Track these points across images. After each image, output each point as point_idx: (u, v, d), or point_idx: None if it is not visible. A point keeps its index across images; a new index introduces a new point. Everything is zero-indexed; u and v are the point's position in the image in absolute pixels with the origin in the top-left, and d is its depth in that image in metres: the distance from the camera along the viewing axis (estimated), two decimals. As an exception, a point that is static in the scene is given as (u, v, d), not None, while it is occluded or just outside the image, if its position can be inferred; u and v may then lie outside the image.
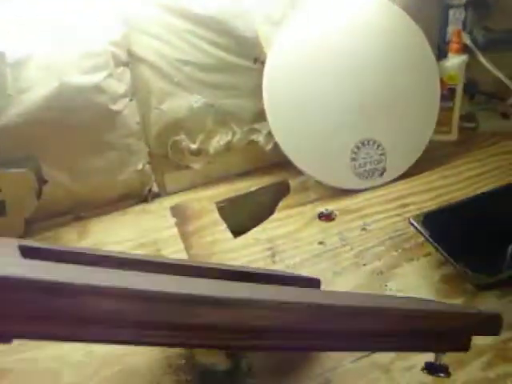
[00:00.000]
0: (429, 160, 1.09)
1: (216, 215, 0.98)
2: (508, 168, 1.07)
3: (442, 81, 1.08)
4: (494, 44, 1.18)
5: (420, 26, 1.04)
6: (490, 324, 0.57)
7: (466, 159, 1.10)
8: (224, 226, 0.96)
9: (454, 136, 1.16)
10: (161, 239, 0.95)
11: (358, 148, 1.00)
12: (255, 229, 0.95)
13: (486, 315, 0.58)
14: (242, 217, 1.00)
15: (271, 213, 0.99)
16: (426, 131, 1.06)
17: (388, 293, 0.79)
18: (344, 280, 0.82)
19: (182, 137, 1.03)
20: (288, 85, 0.96)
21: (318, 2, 0.98)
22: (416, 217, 0.86)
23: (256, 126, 1.05)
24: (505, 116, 1.21)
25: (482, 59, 1.14)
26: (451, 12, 1.13)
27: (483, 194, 0.92)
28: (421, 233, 0.83)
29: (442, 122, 1.12)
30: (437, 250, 0.80)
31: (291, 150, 0.97)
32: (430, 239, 0.81)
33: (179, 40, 0.96)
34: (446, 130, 1.15)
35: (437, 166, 1.08)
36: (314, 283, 0.76)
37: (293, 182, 1.05)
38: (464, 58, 1.10)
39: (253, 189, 1.03)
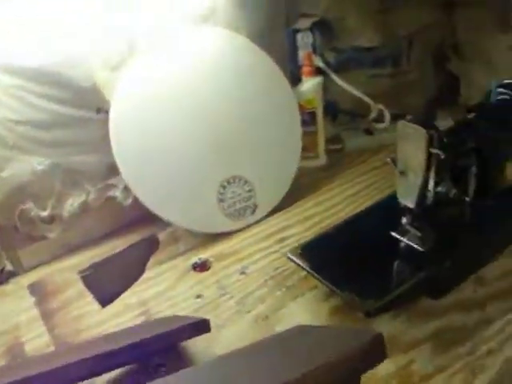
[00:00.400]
0: (300, 188, 1.08)
1: (80, 286, 0.90)
2: (380, 183, 1.09)
3: (300, 106, 1.09)
4: (345, 63, 1.22)
5: (271, 55, 1.04)
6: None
7: (338, 182, 1.11)
8: (91, 296, 0.89)
9: (322, 160, 1.17)
10: (21, 323, 0.86)
11: (224, 187, 0.97)
12: (125, 293, 0.89)
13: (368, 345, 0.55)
14: (110, 282, 0.93)
15: (141, 272, 0.93)
16: (292, 160, 1.05)
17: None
18: (228, 332, 0.77)
19: (29, 205, 0.95)
20: (136, 132, 0.91)
21: (158, 41, 0.96)
22: (293, 250, 0.83)
23: (111, 181, 0.98)
24: (368, 132, 1.24)
25: (337, 79, 1.17)
26: (299, 36, 1.16)
27: (356, 214, 0.92)
28: (301, 266, 0.81)
29: (308, 148, 1.13)
30: (320, 281, 0.79)
31: (152, 202, 0.92)
32: (312, 271, 0.79)
33: (6, 97, 0.89)
34: (313, 156, 1.15)
35: (309, 194, 1.07)
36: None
37: (161, 235, 1.00)
38: (318, 80, 1.12)
39: (118, 250, 0.97)
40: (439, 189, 0.76)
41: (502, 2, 1.10)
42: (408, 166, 0.76)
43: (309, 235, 0.94)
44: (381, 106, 1.20)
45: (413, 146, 0.74)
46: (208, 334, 0.74)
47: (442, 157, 0.71)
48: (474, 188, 0.89)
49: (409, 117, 0.75)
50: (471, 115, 0.82)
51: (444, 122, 1.08)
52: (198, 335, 0.73)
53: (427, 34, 1.30)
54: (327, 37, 1.18)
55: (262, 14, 1.06)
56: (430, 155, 0.73)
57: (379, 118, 1.23)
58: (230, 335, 0.77)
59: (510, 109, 0.85)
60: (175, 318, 0.81)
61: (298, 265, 0.81)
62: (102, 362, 0.65)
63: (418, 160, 0.74)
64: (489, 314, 0.75)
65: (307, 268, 0.79)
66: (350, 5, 1.16)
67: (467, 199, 0.90)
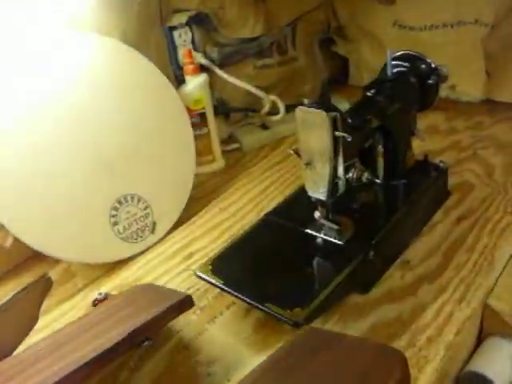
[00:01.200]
0: (201, 197, 1.01)
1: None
2: (285, 178, 1.04)
3: (188, 109, 1.01)
4: (230, 57, 1.16)
5: (150, 57, 0.94)
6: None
7: (240, 183, 1.04)
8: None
9: (220, 163, 1.10)
10: None
11: (116, 209, 0.87)
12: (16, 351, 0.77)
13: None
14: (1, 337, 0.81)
15: (35, 319, 0.81)
16: (187, 167, 0.96)
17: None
18: (145, 371, 0.69)
19: None
20: (9, 162, 0.80)
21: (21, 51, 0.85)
22: (203, 267, 0.75)
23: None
24: (264, 127, 1.19)
25: (224, 75, 1.10)
26: (176, 34, 1.07)
27: (265, 216, 0.84)
28: (213, 284, 0.74)
29: (203, 152, 1.06)
30: (237, 297, 0.71)
31: (35, 239, 0.80)
32: (226, 288, 0.72)
33: None
34: (209, 159, 1.08)
35: (212, 201, 1.00)
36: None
37: (54, 273, 0.88)
38: (203, 77, 1.04)
39: (3, 301, 0.84)
40: (350, 175, 0.70)
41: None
42: (313, 155, 0.70)
43: (218, 245, 0.87)
44: (274, 97, 1.15)
45: (315, 132, 0.68)
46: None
47: (349, 139, 0.66)
48: (384, 168, 0.85)
49: (306, 101, 0.69)
50: (370, 92, 0.78)
51: (341, 105, 1.04)
52: (183, 312, 0.68)
53: (310, 18, 1.26)
54: (206, 31, 1.11)
55: (133, 14, 0.97)
56: (335, 140, 0.68)
57: (273, 111, 1.18)
58: (147, 374, 0.68)
59: (407, 80, 0.82)
60: (150, 289, 0.77)
61: (210, 283, 0.73)
62: (101, 362, 0.60)
63: (324, 147, 0.68)
64: (421, 299, 0.72)
65: (220, 285, 0.71)
66: (226, -6, 1.10)
67: (378, 181, 0.87)
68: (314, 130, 0.68)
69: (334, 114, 0.66)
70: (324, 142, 0.68)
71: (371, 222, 0.79)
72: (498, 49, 1.12)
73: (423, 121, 0.88)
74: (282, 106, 1.14)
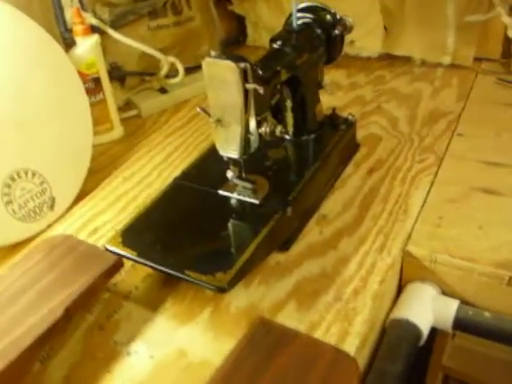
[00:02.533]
0: (102, 168, 0.94)
1: None
2: (189, 142, 0.99)
3: (80, 73, 0.93)
4: (122, 18, 1.08)
5: (34, 17, 0.84)
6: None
7: (143, 150, 0.98)
8: None
9: (118, 131, 1.03)
10: None
11: (9, 186, 0.78)
12: None
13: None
14: None
15: None
16: (84, 137, 0.88)
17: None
18: (63, 355, 0.63)
19: None
20: None
21: None
22: (112, 240, 0.69)
23: None
24: (163, 91, 1.13)
25: (118, 35, 1.03)
26: (60, -7, 0.99)
27: (174, 180, 0.79)
28: (126, 257, 0.68)
29: (100, 120, 0.98)
30: (153, 268, 0.67)
31: None
32: (140, 259, 0.66)
33: None
34: (107, 128, 1.00)
35: (114, 171, 0.93)
36: None
37: None
38: (95, 38, 0.96)
39: None
40: (262, 129, 0.67)
41: None
42: (224, 111, 0.66)
43: (125, 217, 0.81)
44: (172, 59, 1.09)
45: (225, 86, 0.64)
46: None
47: (261, 91, 0.63)
48: (293, 123, 0.83)
49: (213, 53, 0.65)
50: (277, 44, 0.75)
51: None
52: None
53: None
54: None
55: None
56: (246, 93, 0.64)
57: (171, 74, 1.12)
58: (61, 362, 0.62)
59: (313, 31, 0.80)
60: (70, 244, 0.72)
61: (122, 256, 0.67)
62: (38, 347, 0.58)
63: (234, 101, 0.65)
64: (343, 251, 0.71)
65: (134, 257, 0.66)
66: None
67: (287, 137, 0.85)
68: (223, 84, 0.64)
69: (243, 64, 0.62)
70: (234, 96, 0.64)
71: (285, 179, 0.77)
72: (393, 2, 1.13)
73: (325, 78, 0.86)
74: (181, 68, 1.09)
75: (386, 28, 1.15)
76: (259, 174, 0.77)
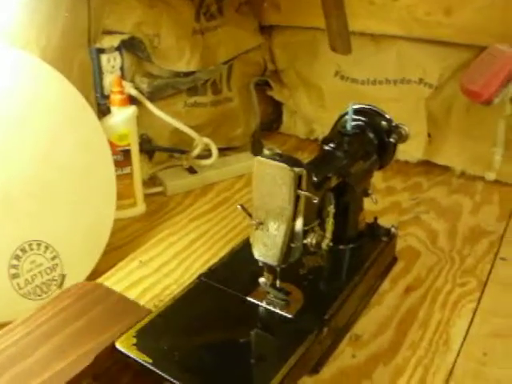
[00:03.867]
0: (119, 246, 0.88)
1: None
2: (215, 231, 0.93)
3: (111, 144, 0.88)
4: (160, 90, 1.04)
5: (72, 80, 0.81)
6: None
7: (164, 233, 0.92)
8: None
9: (141, 208, 0.97)
10: None
11: (18, 258, 0.72)
12: None
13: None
14: None
15: None
16: (106, 212, 0.83)
17: None
18: None
19: None
20: None
21: None
22: (124, 340, 0.60)
23: None
24: (192, 171, 1.08)
25: (154, 109, 0.99)
26: (104, 58, 0.95)
27: (199, 278, 0.72)
28: (137, 362, 0.60)
29: (124, 195, 0.93)
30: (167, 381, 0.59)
31: None
32: (155, 368, 0.59)
33: None
34: (130, 203, 0.95)
35: (131, 251, 0.87)
36: None
37: None
38: (132, 110, 0.92)
39: None
40: (308, 240, 0.61)
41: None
42: (268, 214, 0.60)
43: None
44: (207, 140, 1.04)
45: (275, 189, 0.59)
46: None
47: (315, 201, 0.57)
48: (332, 230, 0.77)
49: (267, 151, 0.59)
50: (329, 146, 0.70)
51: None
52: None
53: (248, 58, 1.19)
54: (138, 59, 0.99)
55: (57, 30, 0.84)
56: (297, 199, 0.58)
57: (202, 154, 1.08)
58: None
59: (367, 136, 0.75)
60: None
61: (134, 361, 0.59)
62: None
63: (283, 206, 0.59)
64: (377, 382, 0.63)
65: (147, 364, 0.58)
66: (164, 21, 0.99)
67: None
68: (273, 186, 0.59)
69: (299, 169, 0.57)
70: (284, 201, 0.58)
71: (321, 292, 0.70)
72: (439, 110, 1.10)
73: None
74: (215, 150, 1.04)
75: (429, 135, 1.11)
76: (293, 283, 0.70)
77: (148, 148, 1.05)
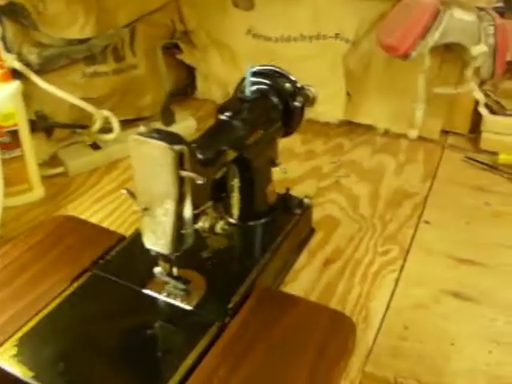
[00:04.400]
0: (15, 236, 0.77)
1: None
2: (119, 213, 0.85)
3: (-6, 124, 0.80)
4: (53, 61, 0.94)
5: None
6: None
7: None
8: None
9: (38, 192, 0.87)
10: None
11: None
12: None
13: None
14: None
15: None
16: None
17: None
18: None
19: None
20: None
21: None
22: (5, 352, 0.54)
23: None
24: (95, 147, 0.98)
25: (41, 82, 0.89)
26: (-20, 30, 0.85)
27: (88, 273, 0.64)
28: (16, 377, 0.53)
29: (15, 180, 0.83)
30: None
31: None
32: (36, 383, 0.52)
33: None
34: (24, 188, 0.85)
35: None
36: None
37: None
38: (15, 86, 0.81)
39: None
40: (200, 224, 0.55)
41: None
42: (153, 198, 0.53)
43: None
44: (107, 113, 0.95)
45: (155, 171, 0.51)
46: None
47: (200, 181, 0.50)
48: (240, 206, 0.71)
49: (143, 128, 0.52)
50: (225, 115, 0.63)
51: (186, 123, 0.89)
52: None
53: (153, 19, 1.09)
54: (23, 27, 0.89)
55: None
56: (181, 181, 0.52)
57: (107, 128, 0.98)
58: None
59: (269, 101, 0.68)
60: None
61: (13, 375, 0.52)
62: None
63: (166, 190, 0.52)
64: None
65: (29, 380, 0.51)
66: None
67: (232, 221, 0.72)
68: (153, 168, 0.51)
69: (179, 147, 0.50)
70: (167, 184, 0.51)
71: (227, 277, 0.64)
72: (358, 67, 1.04)
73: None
74: (116, 124, 0.95)
75: (348, 93, 1.05)
76: (195, 268, 0.63)
77: (44, 125, 0.95)
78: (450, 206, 0.88)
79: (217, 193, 0.69)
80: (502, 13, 0.98)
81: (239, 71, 1.12)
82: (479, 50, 0.93)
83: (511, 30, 0.98)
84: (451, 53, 0.99)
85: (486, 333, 0.65)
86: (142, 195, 0.54)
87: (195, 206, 0.53)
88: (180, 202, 0.52)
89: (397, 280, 0.72)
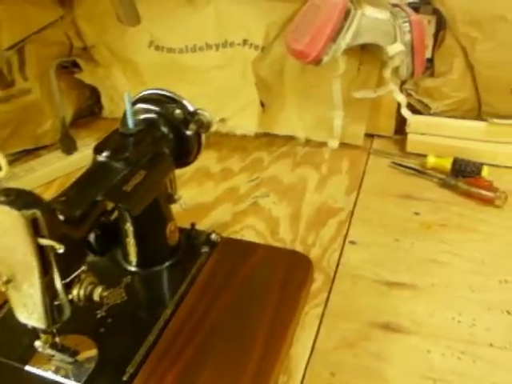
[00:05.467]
0: None
1: None
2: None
3: None
4: None
5: None
6: None
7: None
8: None
9: None
10: None
11: None
12: None
13: None
14: None
15: None
16: None
17: None
18: None
19: None
20: None
21: None
22: None
23: None
24: None
25: None
26: None
27: None
28: None
29: None
30: None
31: None
32: None
33: None
34: None
35: None
36: None
37: None
38: None
39: None
40: (74, 294, 0.47)
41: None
42: (15, 269, 0.45)
43: None
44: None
45: (8, 239, 0.43)
46: None
47: (61, 250, 0.43)
48: (137, 252, 0.63)
49: (-10, 189, 0.44)
50: (103, 157, 0.55)
51: (89, 150, 0.80)
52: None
53: (45, 37, 0.99)
54: None
55: None
56: (41, 249, 0.44)
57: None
58: None
59: (159, 132, 0.60)
60: None
61: None
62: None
63: (25, 261, 0.44)
64: None
65: None
66: None
67: (131, 269, 0.64)
68: (5, 237, 0.43)
69: (31, 211, 0.42)
70: (25, 254, 0.43)
71: (123, 340, 0.56)
72: (270, 74, 0.97)
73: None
74: (3, 162, 0.85)
75: (262, 104, 0.98)
76: (87, 333, 0.56)
77: None
78: (376, 220, 0.82)
79: (112, 238, 0.61)
80: (416, 8, 0.93)
81: (146, 86, 1.05)
82: (395, 48, 0.88)
83: (427, 26, 0.94)
84: (368, 54, 0.94)
85: (422, 369, 0.59)
86: (2, 266, 0.46)
87: (64, 275, 0.46)
88: (45, 273, 0.45)
89: (321, 317, 0.66)
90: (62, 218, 0.45)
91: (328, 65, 0.88)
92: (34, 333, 0.51)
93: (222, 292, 0.62)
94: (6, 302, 0.61)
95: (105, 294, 0.48)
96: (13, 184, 0.89)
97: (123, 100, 1.06)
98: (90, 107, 1.13)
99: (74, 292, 0.47)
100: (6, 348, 0.55)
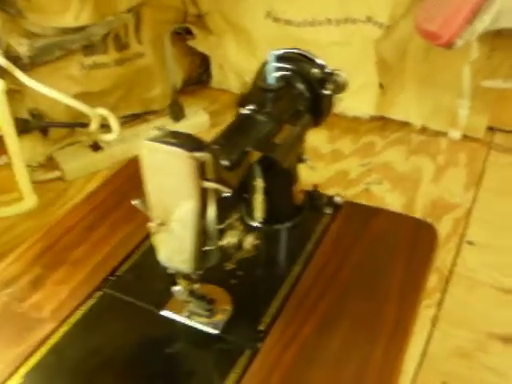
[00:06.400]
0: (4, 252, 0.75)
1: None
2: (123, 222, 0.82)
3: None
4: (46, 53, 0.92)
5: None
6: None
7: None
8: None
9: (31, 201, 0.85)
10: None
11: None
12: None
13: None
14: None
15: None
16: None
17: None
18: None
19: None
20: None
21: None
22: None
23: None
24: (96, 148, 0.96)
25: (25, 79, 0.85)
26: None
27: (99, 292, 0.63)
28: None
29: (3, 189, 0.83)
30: None
31: None
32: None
33: None
34: (14, 198, 0.84)
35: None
36: None
37: None
38: (-2, 85, 0.80)
39: None
40: (225, 241, 0.52)
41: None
42: (169, 213, 0.51)
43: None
44: (104, 112, 0.92)
45: (172, 181, 0.49)
46: None
47: (228, 194, 0.48)
48: (264, 208, 0.68)
49: (156, 131, 0.49)
50: (247, 109, 0.60)
51: (197, 118, 0.87)
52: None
53: (161, 2, 1.07)
54: (11, 16, 0.86)
55: None
56: (204, 192, 0.49)
57: (108, 126, 0.96)
58: None
59: (295, 90, 0.65)
60: None
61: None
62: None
63: (186, 203, 0.49)
64: None
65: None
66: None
67: (257, 225, 0.70)
68: (169, 178, 0.49)
69: (201, 154, 0.47)
70: (185, 197, 0.49)
71: (255, 294, 0.63)
72: (392, 55, 1.01)
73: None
74: (115, 123, 0.92)
75: (381, 85, 1.02)
76: (218, 284, 0.62)
77: (40, 125, 0.93)
78: (498, 221, 0.84)
79: (238, 194, 0.67)
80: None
81: (257, 58, 1.11)
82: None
83: None
84: (503, 39, 0.95)
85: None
86: (156, 209, 0.52)
87: (220, 220, 0.51)
88: (202, 216, 0.50)
89: (434, 320, 0.68)
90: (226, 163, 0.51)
91: (458, 49, 0.90)
92: (169, 279, 0.57)
93: (350, 252, 0.68)
94: (138, 247, 0.69)
95: (256, 242, 0.53)
96: (122, 147, 0.96)
97: (233, 71, 1.15)
98: (199, 75, 1.21)
99: (227, 238, 0.52)
100: (142, 292, 0.62)
